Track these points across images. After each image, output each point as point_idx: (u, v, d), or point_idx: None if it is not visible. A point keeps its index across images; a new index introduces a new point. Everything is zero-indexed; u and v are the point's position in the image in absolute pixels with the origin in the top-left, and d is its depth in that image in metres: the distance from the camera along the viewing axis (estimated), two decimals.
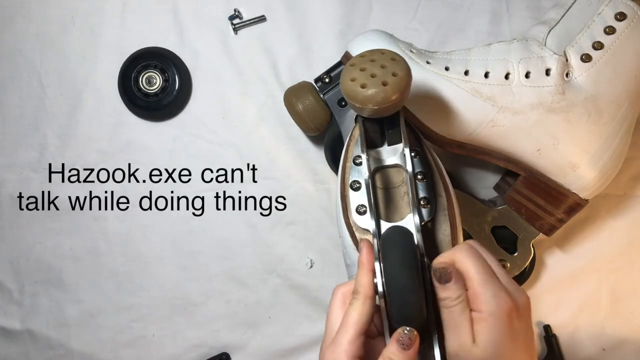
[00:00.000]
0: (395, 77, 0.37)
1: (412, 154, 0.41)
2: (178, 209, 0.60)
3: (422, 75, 0.47)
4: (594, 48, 0.46)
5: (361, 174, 0.42)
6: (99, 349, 0.61)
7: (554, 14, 0.49)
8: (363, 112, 0.39)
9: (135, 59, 0.59)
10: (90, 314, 0.61)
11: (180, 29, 0.60)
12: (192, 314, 0.60)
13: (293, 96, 0.53)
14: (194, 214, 0.60)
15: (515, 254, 0.53)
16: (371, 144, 0.42)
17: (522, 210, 0.51)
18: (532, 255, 0.53)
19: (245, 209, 0.60)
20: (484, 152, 0.50)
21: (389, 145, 0.42)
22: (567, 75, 0.46)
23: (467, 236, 0.55)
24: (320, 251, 0.59)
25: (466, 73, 0.47)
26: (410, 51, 0.49)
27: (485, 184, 0.57)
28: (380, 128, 0.42)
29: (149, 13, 0.60)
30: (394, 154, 0.42)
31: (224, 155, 0.60)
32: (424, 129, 0.48)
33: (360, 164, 0.42)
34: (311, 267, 0.59)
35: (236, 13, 0.59)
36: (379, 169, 0.42)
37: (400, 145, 0.42)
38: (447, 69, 0.47)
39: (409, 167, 0.39)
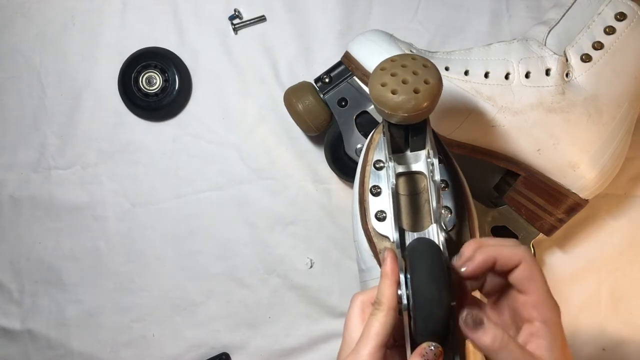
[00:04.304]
0: (428, 84, 0.36)
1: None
2: (178, 209, 0.60)
3: None
4: (594, 48, 0.46)
5: (382, 179, 0.41)
6: (99, 349, 0.61)
7: (554, 14, 0.49)
8: (392, 119, 0.38)
9: (135, 59, 0.59)
10: (90, 314, 0.61)
11: (180, 29, 0.60)
12: (192, 314, 0.60)
13: (293, 96, 0.53)
14: (194, 214, 0.60)
15: None
16: (394, 149, 0.41)
17: (522, 210, 0.51)
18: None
19: (245, 209, 0.60)
20: (484, 152, 0.50)
21: (411, 151, 0.41)
22: (567, 75, 0.46)
23: None
24: (320, 251, 0.59)
25: (466, 73, 0.47)
26: (410, 51, 0.49)
27: (485, 184, 0.57)
28: (404, 133, 0.41)
29: (149, 13, 0.60)
30: (416, 161, 0.41)
31: (224, 155, 0.60)
32: None
33: (381, 168, 0.41)
34: (311, 267, 0.59)
35: (236, 13, 0.59)
36: (399, 175, 0.41)
37: (423, 152, 0.41)
38: (447, 69, 0.47)
39: (437, 177, 0.37)
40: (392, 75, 0.37)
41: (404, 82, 0.36)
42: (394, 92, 0.36)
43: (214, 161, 0.60)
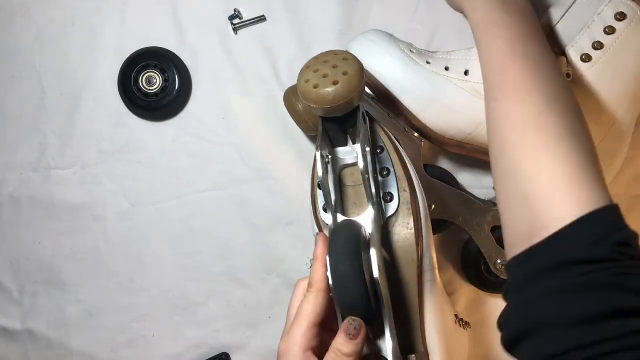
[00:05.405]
0: (346, 76, 0.38)
1: (378, 151, 0.42)
2: (178, 209, 0.60)
3: (422, 75, 0.47)
4: (594, 48, 0.46)
5: (328, 173, 0.42)
6: (99, 349, 0.61)
7: (554, 14, 0.49)
8: (319, 112, 0.40)
9: (135, 59, 0.59)
10: (90, 314, 0.61)
11: (180, 29, 0.60)
12: (192, 314, 0.60)
13: (293, 96, 0.53)
14: (194, 214, 0.60)
15: None
16: (337, 143, 0.43)
17: None
18: None
19: (245, 209, 0.60)
20: (484, 152, 0.50)
21: (353, 143, 0.43)
22: (567, 75, 0.46)
23: (467, 236, 0.55)
24: None
25: (466, 73, 0.47)
26: (410, 51, 0.49)
27: (485, 184, 0.57)
28: (342, 127, 0.42)
29: (149, 13, 0.60)
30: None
31: (224, 155, 0.60)
32: (424, 128, 0.48)
33: (327, 163, 0.43)
34: (311, 267, 0.59)
35: (236, 13, 0.59)
36: (346, 167, 0.43)
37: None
38: (447, 69, 0.47)
39: (361, 164, 0.39)
40: (315, 71, 0.39)
41: (325, 76, 0.38)
42: (315, 87, 0.38)
43: (214, 161, 0.60)
